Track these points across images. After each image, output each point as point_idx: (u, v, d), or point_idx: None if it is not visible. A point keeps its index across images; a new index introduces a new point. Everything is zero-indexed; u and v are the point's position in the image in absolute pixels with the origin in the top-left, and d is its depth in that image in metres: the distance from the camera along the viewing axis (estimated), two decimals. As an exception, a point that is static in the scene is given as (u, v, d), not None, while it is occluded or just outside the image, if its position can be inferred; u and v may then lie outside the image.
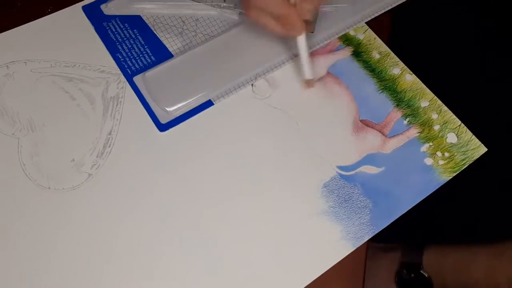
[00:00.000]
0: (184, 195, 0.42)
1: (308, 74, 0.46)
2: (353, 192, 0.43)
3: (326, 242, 0.41)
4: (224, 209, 0.42)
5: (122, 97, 0.45)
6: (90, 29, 0.49)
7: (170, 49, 0.48)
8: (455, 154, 0.45)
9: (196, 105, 0.46)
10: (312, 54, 0.49)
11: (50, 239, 0.40)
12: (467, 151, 0.45)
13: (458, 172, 0.44)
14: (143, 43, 0.48)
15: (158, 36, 0.49)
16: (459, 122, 0.46)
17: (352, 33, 0.51)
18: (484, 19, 0.53)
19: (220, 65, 0.47)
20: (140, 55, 0.48)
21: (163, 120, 0.45)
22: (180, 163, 0.43)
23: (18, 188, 0.41)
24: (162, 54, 0.48)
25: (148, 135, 0.44)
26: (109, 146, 0.43)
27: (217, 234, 0.41)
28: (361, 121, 0.46)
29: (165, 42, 0.49)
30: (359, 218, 0.42)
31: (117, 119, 0.45)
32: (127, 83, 0.46)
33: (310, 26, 0.45)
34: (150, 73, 0.46)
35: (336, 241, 0.41)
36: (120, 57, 0.47)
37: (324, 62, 0.49)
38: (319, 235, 0.41)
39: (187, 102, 0.45)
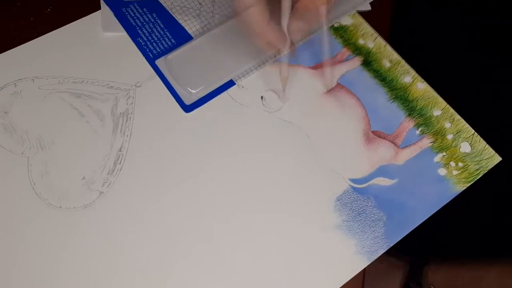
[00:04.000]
0: (194, 211, 0.42)
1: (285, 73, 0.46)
2: (367, 205, 0.43)
3: (340, 257, 0.41)
4: (235, 224, 0.41)
5: (131, 113, 0.45)
6: (97, 43, 0.48)
7: (189, 31, 0.49)
8: (469, 164, 0.44)
9: (219, 85, 0.47)
10: (322, 66, 0.48)
11: (63, 259, 0.39)
12: (481, 160, 0.44)
13: (472, 183, 0.44)
14: (162, 26, 0.49)
15: (177, 19, 0.50)
16: (473, 131, 0.46)
17: (361, 41, 0.50)
18: (499, 26, 0.53)
19: (239, 45, 0.47)
20: (161, 39, 0.49)
21: (188, 101, 0.46)
22: (194, 171, 0.43)
23: (29, 207, 0.41)
24: (181, 37, 0.49)
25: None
26: (120, 163, 0.43)
27: (230, 248, 0.40)
28: (372, 132, 0.46)
29: (183, 24, 0.50)
30: (373, 231, 0.42)
31: (127, 135, 0.44)
32: (136, 98, 0.46)
33: (293, 46, 0.45)
34: (171, 55, 0.47)
35: (350, 255, 0.41)
36: (141, 41, 0.48)
37: (334, 74, 0.48)
38: (334, 250, 0.41)
39: (209, 82, 0.46)
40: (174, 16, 0.50)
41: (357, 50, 0.50)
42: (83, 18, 0.49)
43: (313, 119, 0.46)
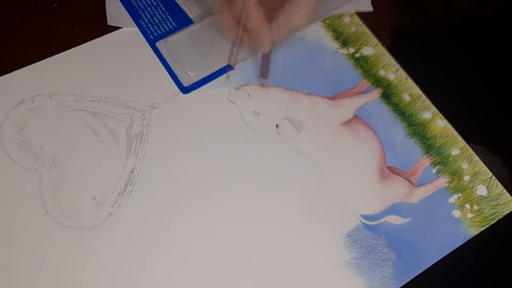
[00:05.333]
0: (200, 239, 0.42)
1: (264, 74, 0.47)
2: (377, 243, 0.42)
3: (347, 296, 0.40)
4: (242, 254, 0.41)
5: (146, 134, 0.45)
6: (116, 61, 0.48)
7: (190, 16, 0.51)
8: (485, 207, 0.43)
9: (216, 69, 0.48)
10: (340, 97, 0.48)
11: (68, 278, 0.39)
12: (497, 205, 0.43)
13: (486, 227, 0.43)
14: (164, 10, 0.51)
15: (178, 3, 0.51)
16: (490, 174, 0.45)
17: (382, 73, 0.49)
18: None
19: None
20: (162, 22, 0.50)
21: (186, 83, 0.47)
22: (204, 198, 0.43)
23: (38, 225, 0.41)
24: (182, 21, 0.50)
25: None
26: (131, 185, 0.43)
27: (236, 279, 0.40)
28: (387, 167, 0.45)
29: (185, 9, 0.51)
30: (382, 271, 0.41)
31: (140, 157, 0.44)
32: (151, 119, 0.46)
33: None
34: (171, 38, 0.49)
35: (357, 295, 0.40)
36: (143, 23, 0.50)
37: (352, 105, 0.48)
38: (341, 288, 0.40)
39: (207, 66, 0.48)
40: (176, 0, 0.51)
41: (377, 81, 0.49)
42: (106, 35, 0.49)
43: (327, 150, 0.46)
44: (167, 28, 0.50)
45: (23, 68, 0.47)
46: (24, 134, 0.44)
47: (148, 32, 0.50)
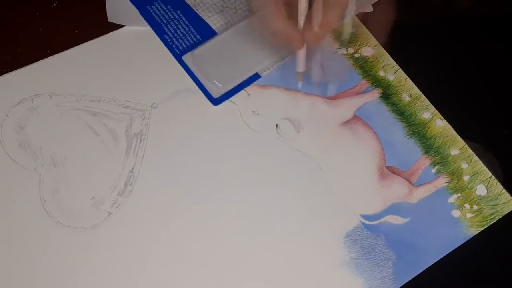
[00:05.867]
0: (199, 238, 0.42)
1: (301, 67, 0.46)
2: (377, 243, 0.42)
3: (347, 296, 0.40)
4: (241, 253, 0.41)
5: (145, 134, 0.45)
6: (116, 61, 0.48)
7: (213, 27, 0.51)
8: (484, 207, 0.43)
9: (244, 78, 0.48)
10: (340, 97, 0.48)
11: (68, 278, 0.40)
12: (496, 205, 0.43)
13: (486, 227, 0.43)
14: (187, 23, 0.51)
15: (200, 15, 0.51)
16: (490, 174, 0.45)
17: (381, 73, 0.49)
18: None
19: (262, 39, 0.48)
20: (186, 35, 0.50)
21: (215, 95, 0.47)
22: (203, 198, 0.43)
23: (37, 224, 0.41)
24: (206, 33, 0.50)
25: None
26: (130, 185, 0.43)
27: (235, 279, 0.40)
28: (387, 167, 0.45)
29: (207, 20, 0.51)
30: (382, 271, 0.41)
31: (139, 157, 0.44)
32: (151, 119, 0.46)
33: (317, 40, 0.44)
34: (197, 51, 0.49)
35: (357, 295, 0.40)
36: (168, 38, 0.50)
37: (351, 105, 0.48)
38: (340, 288, 0.40)
39: (235, 76, 0.48)
40: (197, 12, 0.51)
41: (377, 82, 0.49)
42: (106, 35, 0.49)
43: (327, 150, 0.46)
44: (191, 41, 0.50)
45: (23, 68, 0.47)
46: (24, 133, 0.44)
47: (174, 47, 0.50)
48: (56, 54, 0.48)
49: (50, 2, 0.51)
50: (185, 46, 0.50)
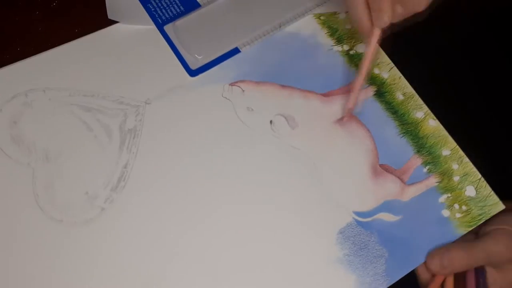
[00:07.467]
0: (193, 235, 0.42)
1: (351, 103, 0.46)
2: (369, 240, 0.42)
3: (339, 293, 0.40)
4: (234, 250, 0.41)
5: (139, 130, 0.45)
6: (111, 56, 0.48)
7: (198, 0, 0.51)
8: (473, 208, 0.44)
9: (224, 52, 0.49)
10: (334, 94, 0.48)
11: (61, 273, 0.40)
12: (484, 206, 0.44)
13: (473, 227, 0.43)
14: None
15: None
16: (479, 175, 0.45)
17: (376, 71, 0.50)
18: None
19: (245, 14, 0.50)
20: (170, 5, 0.51)
21: (193, 66, 0.48)
22: (196, 194, 0.43)
23: (30, 219, 0.41)
24: (190, 4, 0.51)
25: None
26: (124, 180, 0.43)
27: (228, 274, 0.41)
28: (380, 165, 0.45)
29: None
30: (374, 268, 0.41)
31: (133, 153, 0.44)
32: (145, 115, 0.46)
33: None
34: (179, 22, 0.49)
35: (349, 291, 0.40)
36: (151, 7, 0.50)
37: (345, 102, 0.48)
38: (332, 285, 0.41)
39: (214, 49, 0.49)
40: None
41: (371, 79, 0.49)
42: (100, 31, 0.49)
43: (321, 147, 0.46)
44: (175, 12, 0.51)
45: (17, 63, 0.47)
46: (18, 128, 0.44)
47: (156, 16, 0.50)
48: (50, 50, 0.48)
49: (50, 2, 0.51)
50: (168, 16, 0.50)
